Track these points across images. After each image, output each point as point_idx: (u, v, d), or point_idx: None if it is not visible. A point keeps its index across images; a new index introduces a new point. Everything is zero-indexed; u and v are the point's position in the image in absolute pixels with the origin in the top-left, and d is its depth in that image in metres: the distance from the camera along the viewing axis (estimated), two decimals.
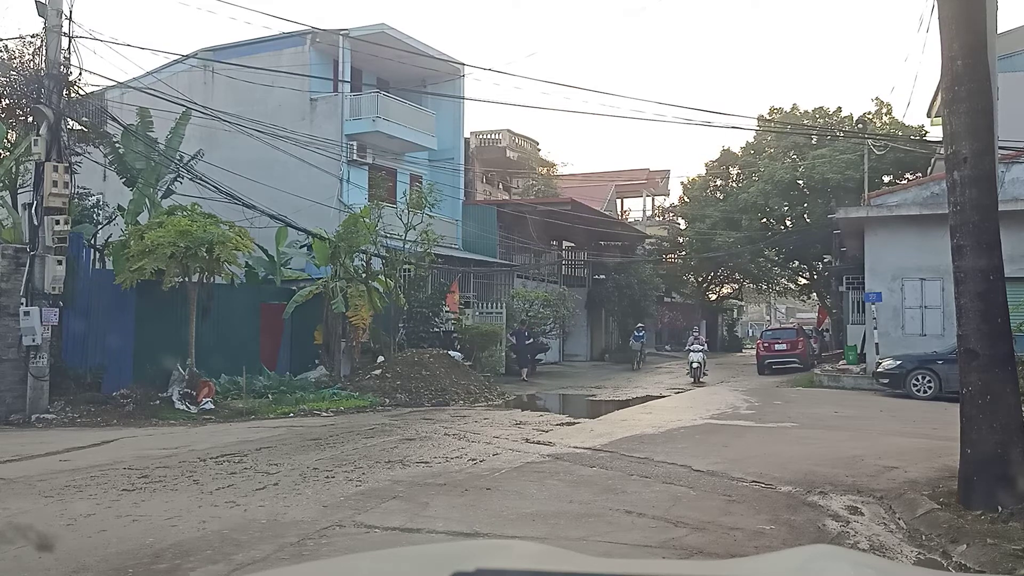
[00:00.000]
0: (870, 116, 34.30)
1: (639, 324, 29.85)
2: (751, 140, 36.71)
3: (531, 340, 23.13)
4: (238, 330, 16.09)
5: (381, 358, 17.43)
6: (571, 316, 28.02)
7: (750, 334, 63.56)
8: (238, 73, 19.94)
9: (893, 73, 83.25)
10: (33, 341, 12.19)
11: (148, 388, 13.62)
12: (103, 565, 4.97)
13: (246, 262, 16.51)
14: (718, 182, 38.43)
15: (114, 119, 16.23)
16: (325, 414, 13.69)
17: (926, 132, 30.28)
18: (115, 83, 18.57)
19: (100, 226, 16.92)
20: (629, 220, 45.28)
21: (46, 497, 6.88)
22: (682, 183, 42.20)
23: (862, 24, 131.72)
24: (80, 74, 13.34)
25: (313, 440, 10.40)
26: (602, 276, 33.57)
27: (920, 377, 16.37)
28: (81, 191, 16.47)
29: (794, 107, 35.95)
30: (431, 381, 16.48)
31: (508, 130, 34.36)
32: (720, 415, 13.78)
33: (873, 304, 19.30)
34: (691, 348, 22.54)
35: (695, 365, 22.03)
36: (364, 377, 16.45)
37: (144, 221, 15.08)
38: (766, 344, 26.55)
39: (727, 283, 48.02)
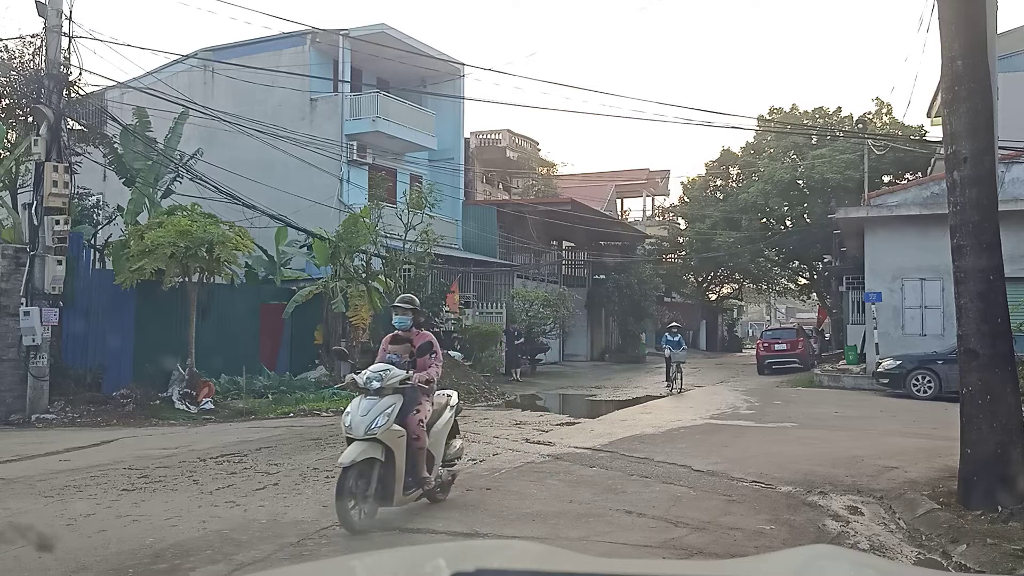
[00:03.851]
0: (870, 116, 34.31)
1: (673, 324, 19.55)
2: (751, 140, 36.72)
3: (521, 340, 22.83)
4: (238, 330, 16.09)
5: None
6: (571, 316, 27.97)
7: (750, 334, 63.54)
8: (238, 73, 19.94)
9: (893, 73, 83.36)
10: (33, 341, 12.19)
11: (148, 388, 13.62)
12: (103, 565, 4.97)
13: (246, 262, 16.50)
14: (718, 182, 38.45)
15: (114, 119, 16.23)
16: (325, 414, 13.67)
17: (926, 132, 30.33)
18: (115, 83, 18.57)
19: (100, 226, 16.93)
20: (629, 220, 45.25)
21: (46, 497, 6.87)
22: (682, 183, 42.25)
23: (862, 24, 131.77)
24: (80, 74, 13.38)
25: (313, 440, 10.40)
26: (602, 276, 33.56)
27: (920, 377, 16.37)
28: (81, 191, 16.47)
29: (794, 107, 35.96)
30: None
31: (508, 130, 34.39)
32: (720, 415, 13.78)
33: (873, 304, 19.30)
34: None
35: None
36: None
37: (144, 221, 15.09)
38: (766, 344, 26.56)
39: (727, 283, 48.02)
